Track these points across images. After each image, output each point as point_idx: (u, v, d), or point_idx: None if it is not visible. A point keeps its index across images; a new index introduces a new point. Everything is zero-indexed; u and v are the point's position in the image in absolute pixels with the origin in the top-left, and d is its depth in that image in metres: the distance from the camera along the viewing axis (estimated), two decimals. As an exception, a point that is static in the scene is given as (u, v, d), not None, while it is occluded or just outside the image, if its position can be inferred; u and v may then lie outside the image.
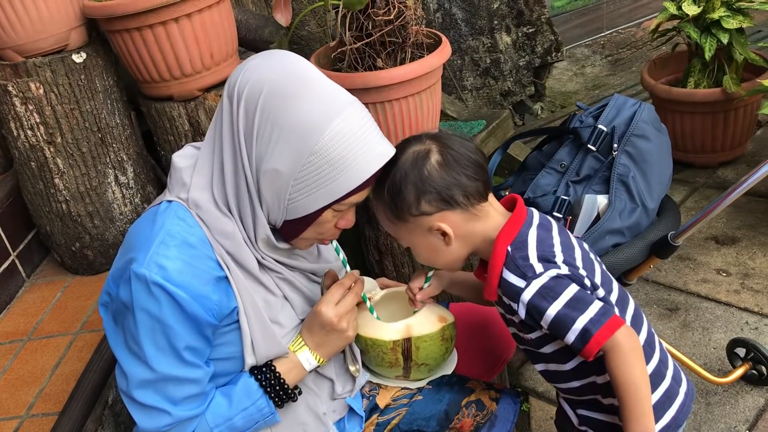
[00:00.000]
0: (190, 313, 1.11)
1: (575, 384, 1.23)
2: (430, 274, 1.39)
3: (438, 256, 1.24)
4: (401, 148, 1.21)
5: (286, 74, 1.14)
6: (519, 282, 1.14)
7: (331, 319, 1.23)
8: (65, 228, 2.12)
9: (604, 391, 1.20)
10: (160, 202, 1.20)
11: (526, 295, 1.13)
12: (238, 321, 1.19)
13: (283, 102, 1.11)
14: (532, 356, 1.27)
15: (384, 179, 1.20)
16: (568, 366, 1.21)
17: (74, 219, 2.10)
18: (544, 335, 1.18)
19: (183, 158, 1.23)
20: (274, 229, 1.21)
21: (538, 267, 1.14)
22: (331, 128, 1.10)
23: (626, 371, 1.08)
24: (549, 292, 1.12)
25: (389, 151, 1.18)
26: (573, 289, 1.12)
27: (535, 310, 1.12)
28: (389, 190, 1.19)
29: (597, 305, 1.11)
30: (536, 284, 1.12)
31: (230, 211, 1.18)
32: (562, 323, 1.10)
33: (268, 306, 1.21)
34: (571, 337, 1.10)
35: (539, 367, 1.27)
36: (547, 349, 1.21)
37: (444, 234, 1.20)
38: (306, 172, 1.12)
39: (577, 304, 1.10)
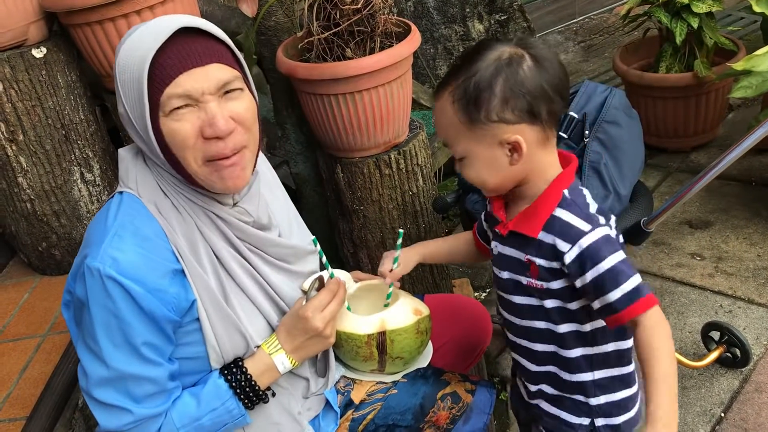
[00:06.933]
0: (146, 307, 1.07)
1: (551, 349, 1.19)
2: (398, 254, 1.35)
3: (491, 174, 1.14)
4: (487, 45, 1.10)
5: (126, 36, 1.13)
6: (582, 225, 1.09)
7: (317, 326, 1.20)
8: (31, 228, 2.07)
9: (573, 367, 1.18)
10: (114, 195, 1.17)
11: (587, 240, 1.08)
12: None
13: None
14: (524, 311, 1.19)
15: (463, 73, 1.09)
16: (561, 329, 1.16)
17: (40, 218, 2.05)
18: (561, 289, 1.13)
19: (128, 150, 1.20)
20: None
21: (601, 219, 1.11)
22: (124, 44, 1.09)
23: (666, 344, 1.04)
24: (609, 245, 1.08)
25: (171, 24, 1.07)
26: (623, 252, 1.09)
27: (591, 257, 1.07)
28: (472, 86, 1.08)
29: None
30: (600, 232, 1.08)
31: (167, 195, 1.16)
32: (614, 278, 1.06)
33: (227, 297, 1.18)
34: (616, 294, 1.06)
35: (525, 322, 1.20)
36: (549, 304, 1.15)
37: (513, 150, 1.10)
38: (121, 92, 1.10)
39: (630, 266, 1.08)
